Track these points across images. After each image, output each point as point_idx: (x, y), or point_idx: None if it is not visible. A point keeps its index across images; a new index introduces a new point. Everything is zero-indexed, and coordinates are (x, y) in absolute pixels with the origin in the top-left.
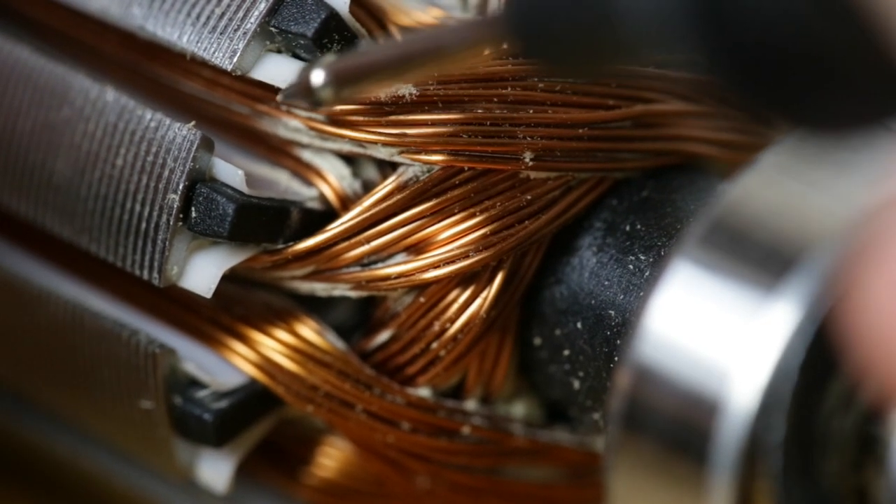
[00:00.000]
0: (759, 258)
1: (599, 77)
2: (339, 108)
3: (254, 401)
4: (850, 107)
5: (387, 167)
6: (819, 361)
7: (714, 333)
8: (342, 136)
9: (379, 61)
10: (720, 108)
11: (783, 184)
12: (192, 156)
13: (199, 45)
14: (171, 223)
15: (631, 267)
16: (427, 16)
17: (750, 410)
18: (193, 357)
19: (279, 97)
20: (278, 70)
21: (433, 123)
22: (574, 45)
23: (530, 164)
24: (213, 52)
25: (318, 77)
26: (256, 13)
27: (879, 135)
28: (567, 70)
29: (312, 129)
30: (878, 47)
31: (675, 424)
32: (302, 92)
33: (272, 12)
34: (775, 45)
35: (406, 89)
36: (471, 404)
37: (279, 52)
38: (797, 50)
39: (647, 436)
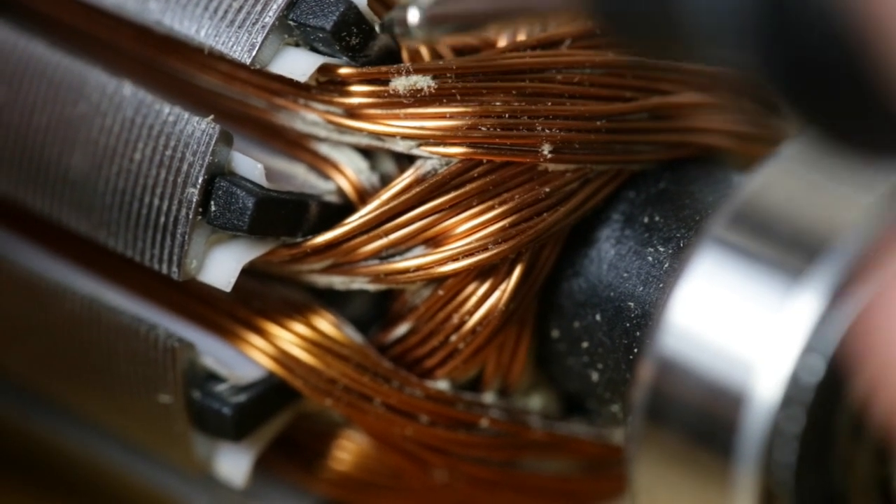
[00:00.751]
0: (783, 249)
1: (673, 58)
2: (357, 101)
3: (272, 394)
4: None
5: (404, 160)
6: (844, 353)
7: (738, 324)
8: (360, 130)
9: (471, 10)
10: (736, 100)
11: (806, 174)
12: (210, 149)
13: (217, 39)
14: (191, 217)
15: (650, 258)
16: None
17: (775, 401)
18: (212, 351)
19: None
20: (296, 64)
21: (451, 116)
22: (643, 29)
23: (549, 156)
24: (232, 46)
25: (413, 16)
26: (275, 6)
27: None
28: (638, 48)
29: (330, 122)
30: None
31: (699, 416)
32: (399, 27)
33: (290, 5)
34: (828, 61)
35: (424, 82)
36: (489, 397)
37: (297, 45)
38: (847, 71)
39: (670, 427)
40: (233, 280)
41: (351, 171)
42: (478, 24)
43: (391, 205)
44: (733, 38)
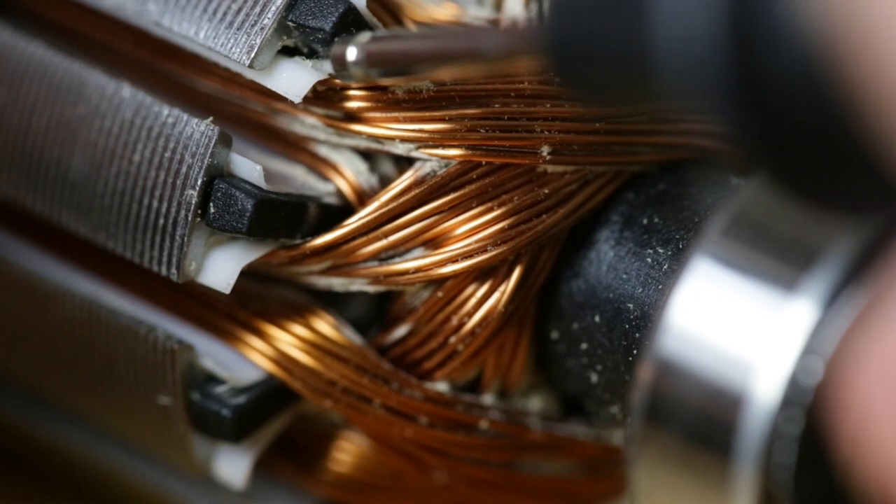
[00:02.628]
0: (782, 251)
1: (622, 111)
2: (356, 105)
3: (271, 396)
4: (852, 193)
5: (404, 162)
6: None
7: (737, 326)
8: (359, 133)
9: (414, 51)
10: None
11: None
12: (210, 151)
13: (215, 40)
14: (190, 219)
15: (649, 260)
16: (443, 11)
17: (774, 403)
18: (211, 353)
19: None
20: (291, 81)
21: (451, 119)
22: (605, 81)
23: (548, 158)
24: (231, 48)
25: (352, 54)
26: (274, 8)
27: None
28: (594, 103)
29: (329, 125)
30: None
31: (698, 417)
32: (337, 64)
33: (289, 7)
34: (801, 122)
35: (423, 85)
36: (488, 398)
37: (296, 46)
38: (819, 131)
39: (669, 429)
40: (232, 282)
41: (350, 173)
42: (419, 66)
43: (390, 206)
44: (703, 100)
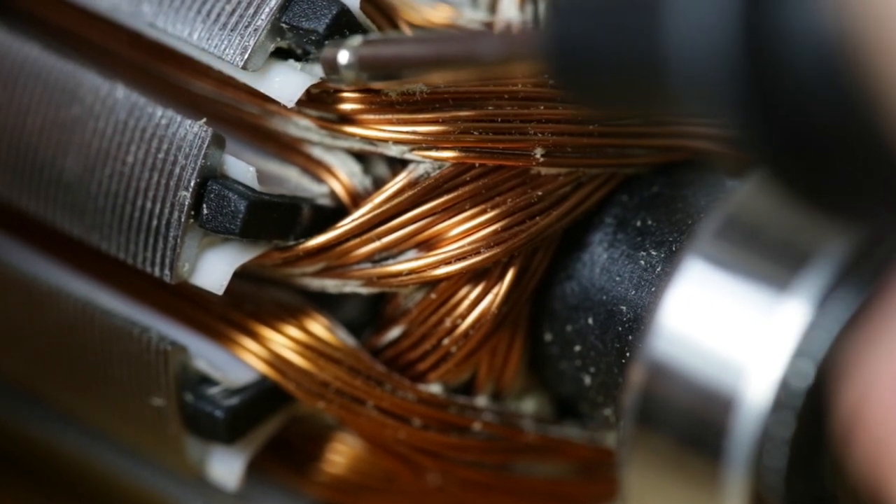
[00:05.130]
0: (774, 253)
1: (626, 118)
2: (350, 107)
3: (265, 397)
4: (868, 199)
5: (397, 164)
6: (834, 358)
7: (729, 329)
8: (353, 135)
9: (408, 56)
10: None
11: None
12: (203, 153)
13: (209, 42)
14: (183, 220)
15: (642, 262)
16: (437, 13)
17: (765, 406)
18: (204, 354)
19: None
20: (284, 85)
21: (444, 121)
22: (610, 85)
23: (541, 160)
24: (224, 50)
25: (343, 57)
26: (267, 9)
27: None
28: (597, 108)
29: (323, 127)
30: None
31: (689, 419)
32: (327, 67)
33: (283, 9)
34: (817, 127)
35: (417, 87)
36: (481, 400)
37: (289, 48)
38: (837, 136)
39: (661, 431)
40: (225, 283)
41: (344, 175)
42: (412, 71)
43: (384, 208)
44: (716, 106)
